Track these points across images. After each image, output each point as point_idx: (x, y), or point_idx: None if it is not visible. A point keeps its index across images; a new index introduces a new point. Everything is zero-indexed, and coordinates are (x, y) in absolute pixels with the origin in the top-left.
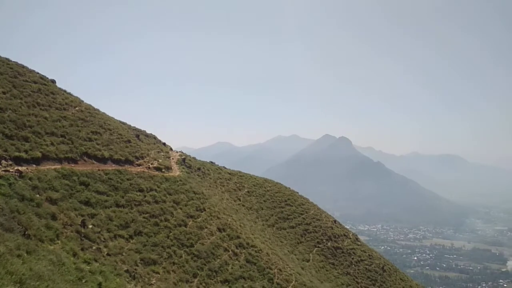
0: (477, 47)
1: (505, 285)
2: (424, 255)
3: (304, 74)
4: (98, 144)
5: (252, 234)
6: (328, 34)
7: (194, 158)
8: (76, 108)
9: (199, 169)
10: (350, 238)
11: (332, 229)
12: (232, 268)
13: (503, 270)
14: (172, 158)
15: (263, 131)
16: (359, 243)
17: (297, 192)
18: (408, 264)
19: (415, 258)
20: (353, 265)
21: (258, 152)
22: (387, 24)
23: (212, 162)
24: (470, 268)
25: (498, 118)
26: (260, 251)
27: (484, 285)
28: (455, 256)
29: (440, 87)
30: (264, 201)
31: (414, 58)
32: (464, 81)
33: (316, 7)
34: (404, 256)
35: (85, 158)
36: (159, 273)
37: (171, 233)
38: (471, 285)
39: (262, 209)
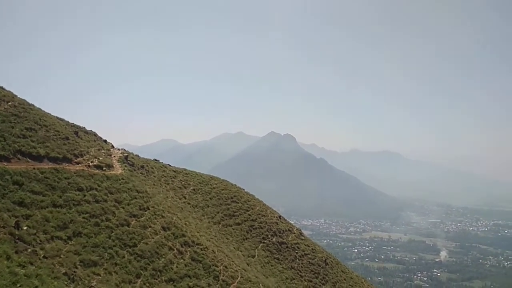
0: (418, 45)
1: (438, 274)
2: (364, 247)
3: (250, 71)
4: (33, 142)
5: (198, 232)
6: (276, 33)
7: (137, 155)
8: (9, 103)
9: (142, 167)
10: (295, 233)
11: (277, 224)
12: (177, 267)
13: (436, 260)
14: (114, 156)
15: (209, 128)
16: (303, 238)
17: (243, 189)
18: (349, 256)
19: (356, 250)
20: (297, 260)
21: (204, 149)
22: (332, 27)
23: (156, 160)
24: (407, 259)
25: (438, 117)
26: (205, 249)
27: (419, 274)
28: (392, 247)
29: (379, 86)
30: (210, 198)
31: (354, 58)
32: (404, 80)
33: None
34: (346, 249)
35: (18, 156)
36: (100, 275)
37: (113, 233)
38: (407, 275)
39: (208, 206)
